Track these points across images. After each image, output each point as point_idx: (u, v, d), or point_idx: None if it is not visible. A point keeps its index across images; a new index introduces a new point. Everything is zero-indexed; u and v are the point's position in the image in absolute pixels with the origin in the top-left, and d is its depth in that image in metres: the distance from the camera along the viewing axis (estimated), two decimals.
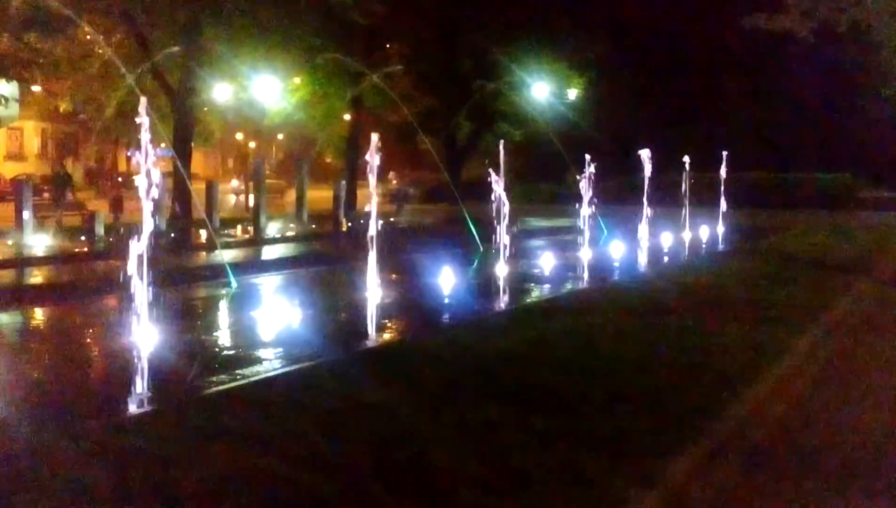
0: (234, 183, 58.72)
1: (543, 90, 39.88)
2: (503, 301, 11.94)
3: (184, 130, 30.87)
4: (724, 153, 23.44)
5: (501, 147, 13.31)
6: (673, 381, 7.23)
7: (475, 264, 15.57)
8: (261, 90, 32.90)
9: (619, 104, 44.78)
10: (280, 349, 8.64)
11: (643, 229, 17.89)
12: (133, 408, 6.39)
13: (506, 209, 12.67)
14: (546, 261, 15.72)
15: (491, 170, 12.16)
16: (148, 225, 6.71)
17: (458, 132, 42.48)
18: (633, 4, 43.69)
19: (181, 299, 11.65)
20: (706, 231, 22.31)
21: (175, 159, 25.24)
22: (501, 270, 12.62)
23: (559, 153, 16.87)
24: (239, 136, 62.28)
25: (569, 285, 13.77)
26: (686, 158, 20.63)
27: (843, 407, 6.89)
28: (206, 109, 39.41)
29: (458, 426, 5.85)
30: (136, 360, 6.67)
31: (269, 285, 11.09)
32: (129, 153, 65.03)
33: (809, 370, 7.99)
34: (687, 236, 20.73)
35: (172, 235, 21.21)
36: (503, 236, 12.78)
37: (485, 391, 6.77)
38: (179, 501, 4.60)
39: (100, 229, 21.11)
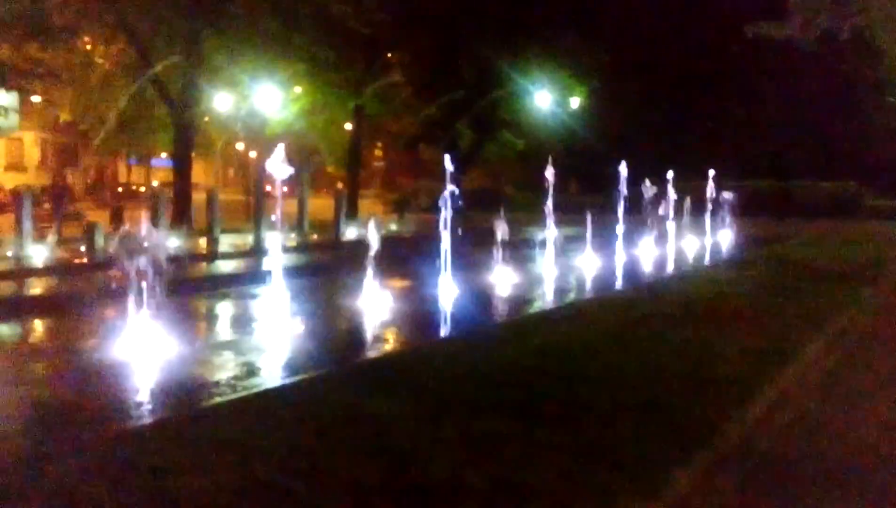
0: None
1: (546, 99, 39.83)
2: (503, 311, 11.79)
3: (184, 140, 30.87)
4: (727, 164, 23.41)
5: None
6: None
7: (474, 273, 15.43)
8: (261, 100, 32.86)
9: (622, 113, 44.76)
10: (279, 359, 8.54)
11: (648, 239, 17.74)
12: (132, 419, 6.29)
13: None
14: (548, 271, 15.56)
15: None
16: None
17: (460, 141, 42.43)
18: (635, 13, 43.68)
19: (181, 310, 11.54)
20: (711, 241, 22.17)
21: (176, 169, 25.19)
22: (500, 279, 12.46)
23: (562, 162, 16.77)
24: (240, 145, 62.27)
25: (571, 296, 13.65)
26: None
27: (841, 417, 6.76)
28: (206, 118, 39.44)
29: (458, 438, 5.74)
30: (135, 370, 6.54)
31: (266, 295, 11.06)
32: (130, 161, 65.08)
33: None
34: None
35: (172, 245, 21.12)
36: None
37: (485, 401, 6.66)
38: None
39: (100, 240, 21.01)
